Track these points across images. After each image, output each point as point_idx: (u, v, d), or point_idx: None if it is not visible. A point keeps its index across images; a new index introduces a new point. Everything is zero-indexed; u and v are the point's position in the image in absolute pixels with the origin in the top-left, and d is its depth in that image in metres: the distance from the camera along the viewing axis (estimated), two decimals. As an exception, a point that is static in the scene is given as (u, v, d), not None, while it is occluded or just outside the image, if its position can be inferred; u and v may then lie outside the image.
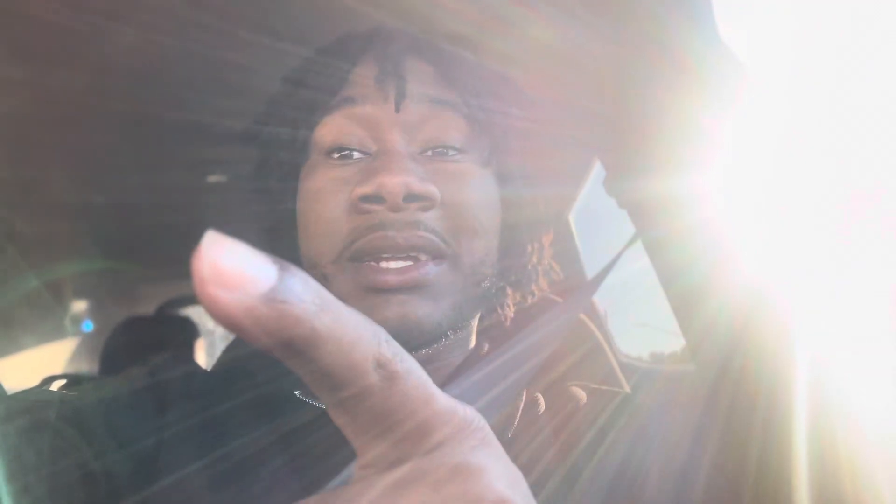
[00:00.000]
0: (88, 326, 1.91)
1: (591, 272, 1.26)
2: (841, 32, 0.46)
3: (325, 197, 0.53)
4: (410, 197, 0.49)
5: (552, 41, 0.58)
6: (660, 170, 0.53)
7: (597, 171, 1.11)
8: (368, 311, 0.49)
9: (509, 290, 0.61)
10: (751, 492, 0.41)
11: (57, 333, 1.85)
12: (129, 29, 0.67)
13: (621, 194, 0.61)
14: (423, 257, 0.50)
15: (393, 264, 0.50)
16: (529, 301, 0.63)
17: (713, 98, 0.49)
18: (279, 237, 0.59)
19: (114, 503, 0.46)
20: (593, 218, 1.31)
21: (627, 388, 1.00)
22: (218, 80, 0.76)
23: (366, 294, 0.50)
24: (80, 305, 1.92)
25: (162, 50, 0.72)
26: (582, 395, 0.60)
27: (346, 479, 0.22)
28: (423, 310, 0.49)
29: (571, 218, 1.32)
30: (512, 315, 0.61)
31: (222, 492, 0.46)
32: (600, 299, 1.29)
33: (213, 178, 1.26)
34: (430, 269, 0.50)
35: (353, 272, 0.51)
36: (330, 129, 0.54)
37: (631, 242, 0.60)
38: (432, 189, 0.50)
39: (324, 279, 0.53)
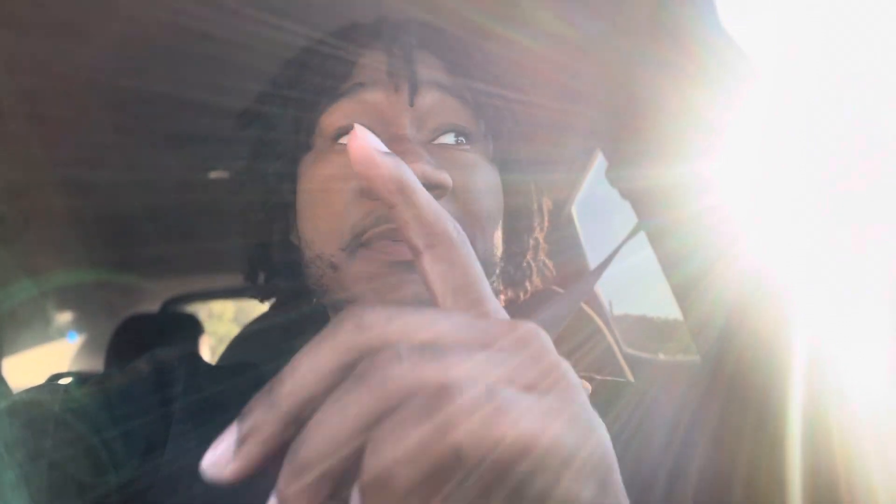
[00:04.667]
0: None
1: (593, 262, 1.26)
2: (844, 22, 0.45)
3: (334, 183, 0.52)
4: (425, 185, 0.49)
5: (557, 28, 0.58)
6: (662, 159, 0.53)
7: (599, 161, 1.11)
8: (385, 289, 0.49)
9: (501, 287, 0.61)
10: (745, 479, 0.41)
11: (61, 333, 1.86)
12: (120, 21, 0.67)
13: (624, 184, 0.61)
14: None
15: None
16: (522, 297, 0.63)
17: (716, 87, 0.49)
18: (272, 225, 0.59)
19: (120, 494, 0.46)
20: (596, 208, 1.31)
21: (632, 378, 1.00)
22: (220, 66, 0.76)
23: (380, 269, 0.49)
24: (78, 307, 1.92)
25: (160, 34, 0.72)
26: (587, 386, 0.60)
27: None
28: None
29: (574, 209, 1.32)
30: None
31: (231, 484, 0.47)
32: (603, 289, 1.30)
33: (215, 175, 1.26)
34: None
35: (367, 253, 0.50)
36: (338, 115, 0.54)
37: (634, 233, 0.60)
38: (446, 177, 0.49)
39: (332, 268, 0.52)
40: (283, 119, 0.58)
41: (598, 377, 0.62)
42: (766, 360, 0.42)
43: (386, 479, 0.22)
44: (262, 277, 0.66)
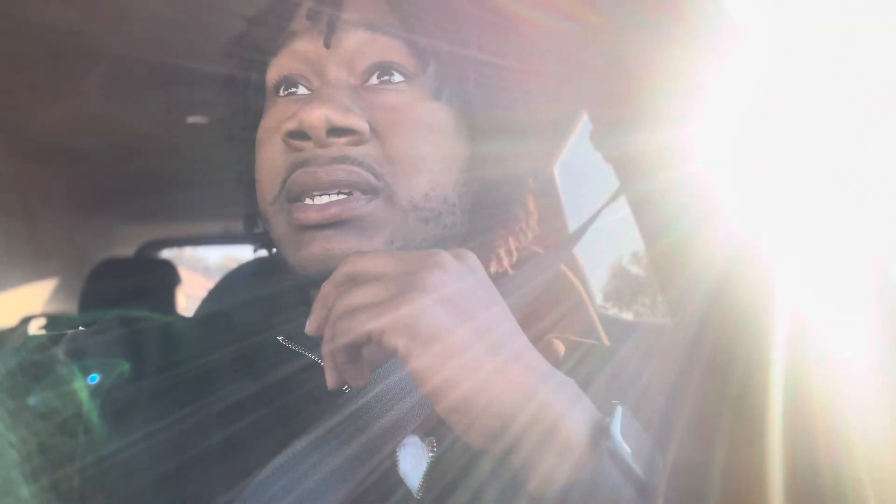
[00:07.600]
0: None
1: (573, 225, 1.26)
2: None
3: (269, 137, 0.52)
4: (333, 131, 0.48)
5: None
6: (648, 125, 0.53)
7: (583, 123, 1.10)
8: (296, 249, 0.50)
9: (511, 239, 0.61)
10: (725, 446, 0.42)
11: (35, 274, 1.83)
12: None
13: (608, 148, 0.60)
14: (353, 192, 0.49)
15: (318, 201, 0.49)
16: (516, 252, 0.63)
17: (706, 52, 0.48)
18: (251, 183, 0.59)
19: (94, 453, 0.46)
20: (578, 171, 1.31)
21: (606, 341, 1.01)
22: (200, 16, 0.74)
23: (295, 232, 0.50)
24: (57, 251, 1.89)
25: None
26: (560, 346, 0.60)
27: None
28: (349, 244, 0.49)
29: (556, 171, 1.31)
30: (509, 265, 0.61)
31: (207, 439, 0.47)
32: (582, 252, 1.30)
33: (193, 120, 1.24)
34: (358, 204, 0.49)
35: (286, 213, 0.51)
36: (276, 69, 0.54)
37: (614, 197, 0.60)
38: (356, 121, 0.48)
39: (266, 222, 0.54)
40: (241, 78, 0.58)
41: (574, 339, 0.63)
42: (748, 337, 0.42)
43: (336, 350, 0.38)
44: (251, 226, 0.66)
